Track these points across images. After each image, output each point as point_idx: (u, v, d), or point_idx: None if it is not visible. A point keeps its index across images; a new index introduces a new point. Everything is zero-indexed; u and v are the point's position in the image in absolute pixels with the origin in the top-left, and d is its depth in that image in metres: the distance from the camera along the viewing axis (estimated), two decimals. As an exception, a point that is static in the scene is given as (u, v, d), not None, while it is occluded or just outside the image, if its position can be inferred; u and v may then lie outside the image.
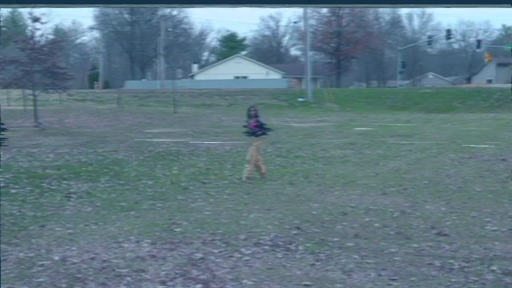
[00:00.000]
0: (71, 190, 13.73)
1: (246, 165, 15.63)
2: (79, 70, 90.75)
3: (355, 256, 8.39)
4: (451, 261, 8.14)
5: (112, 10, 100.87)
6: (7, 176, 15.15)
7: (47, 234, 9.73)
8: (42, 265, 8.06)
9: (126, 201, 12.61)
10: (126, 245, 9.04)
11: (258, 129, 15.61)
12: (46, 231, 9.97)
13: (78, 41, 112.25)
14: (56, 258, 8.37)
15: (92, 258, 8.34)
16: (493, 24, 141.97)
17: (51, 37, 36.17)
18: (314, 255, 8.48)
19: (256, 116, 15.63)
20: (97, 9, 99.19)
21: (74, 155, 19.56)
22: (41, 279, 7.50)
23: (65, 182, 14.75)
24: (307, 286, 7.28)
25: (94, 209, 11.74)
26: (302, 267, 7.95)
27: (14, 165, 17.20)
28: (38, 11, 29.24)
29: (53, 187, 14.09)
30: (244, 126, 15.98)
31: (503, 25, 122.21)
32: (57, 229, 10.11)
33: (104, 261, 8.22)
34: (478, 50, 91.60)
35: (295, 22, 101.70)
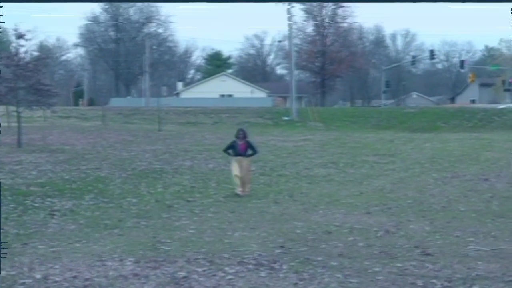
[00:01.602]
0: (55, 208, 13.66)
1: (238, 187, 15.85)
2: (63, 87, 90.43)
3: (339, 275, 8.39)
4: (434, 280, 8.17)
5: (97, 27, 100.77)
6: (-11, 193, 15.04)
7: (30, 252, 9.67)
8: (23, 283, 8.00)
9: (110, 219, 12.56)
10: (109, 263, 8.99)
11: (248, 150, 16.15)
12: (29, 248, 9.91)
13: (63, 58, 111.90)
14: (38, 276, 8.31)
15: (75, 277, 8.29)
16: (475, 44, 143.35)
17: (35, 53, 36.00)
18: (298, 274, 8.47)
19: (244, 137, 16.18)
20: (82, 26, 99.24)
21: (57, 173, 19.45)
22: (23, 298, 7.44)
23: (48, 199, 14.67)
24: (290, 305, 7.27)
25: (78, 227, 11.69)
26: (285, 286, 7.94)
27: (-3, 182, 17.07)
28: (22, 27, 29.06)
29: (36, 205, 14.01)
30: (227, 148, 16.42)
31: (486, 46, 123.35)
32: (40, 246, 10.04)
33: (87, 279, 8.17)
34: (462, 71, 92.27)
35: (279, 41, 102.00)
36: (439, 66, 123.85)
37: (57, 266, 8.81)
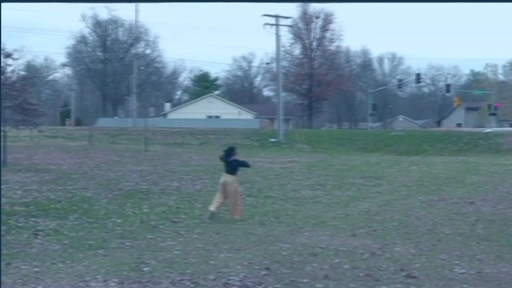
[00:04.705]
0: (39, 228, 13.56)
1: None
2: (50, 106, 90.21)
3: (324, 298, 8.36)
4: (420, 303, 8.15)
5: (85, 47, 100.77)
6: (-27, 213, 14.90)
7: (13, 272, 9.57)
8: (6, 303, 7.92)
9: (94, 239, 12.47)
10: (93, 284, 8.92)
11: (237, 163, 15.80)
12: (12, 269, 9.81)
13: (50, 77, 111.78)
14: (21, 296, 8.23)
15: (58, 297, 8.22)
16: (461, 69, 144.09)
17: (22, 73, 35.87)
18: (283, 296, 8.43)
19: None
20: (69, 46, 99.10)
21: (42, 192, 19.34)
22: (5, 318, 7.37)
23: (32, 219, 14.57)
24: (275, 327, 7.23)
25: (62, 247, 11.60)
26: (270, 308, 7.90)
27: (-19, 201, 16.93)
28: (10, 47, 29.10)
29: (20, 224, 13.90)
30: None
31: (472, 70, 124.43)
32: (23, 267, 9.95)
33: (70, 300, 8.10)
34: (448, 94, 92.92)
35: (267, 63, 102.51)
36: (426, 89, 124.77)
37: (40, 287, 8.73)
